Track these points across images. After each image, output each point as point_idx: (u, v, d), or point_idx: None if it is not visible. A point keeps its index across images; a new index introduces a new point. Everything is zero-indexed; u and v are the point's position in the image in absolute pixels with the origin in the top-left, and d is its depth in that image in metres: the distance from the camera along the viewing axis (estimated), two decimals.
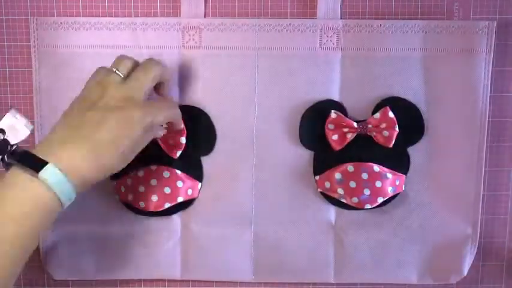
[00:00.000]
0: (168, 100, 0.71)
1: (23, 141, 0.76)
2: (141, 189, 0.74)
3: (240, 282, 0.79)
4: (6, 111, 0.75)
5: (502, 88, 0.75)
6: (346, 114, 0.73)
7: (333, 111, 0.72)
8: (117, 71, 0.64)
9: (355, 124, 0.72)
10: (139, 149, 0.64)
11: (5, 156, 0.57)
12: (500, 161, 0.76)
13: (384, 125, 0.72)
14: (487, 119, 0.73)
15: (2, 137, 0.57)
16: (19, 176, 0.56)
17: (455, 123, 0.73)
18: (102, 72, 0.64)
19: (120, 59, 0.66)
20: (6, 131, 0.58)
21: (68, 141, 0.58)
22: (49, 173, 0.56)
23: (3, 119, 0.58)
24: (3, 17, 0.74)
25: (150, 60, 0.66)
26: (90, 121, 0.59)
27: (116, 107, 0.60)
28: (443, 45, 0.72)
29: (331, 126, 0.73)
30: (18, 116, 0.59)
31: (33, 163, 0.56)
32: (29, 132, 0.58)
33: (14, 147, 0.58)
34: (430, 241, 0.76)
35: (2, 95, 0.76)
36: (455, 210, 0.75)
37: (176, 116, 0.69)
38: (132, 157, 0.63)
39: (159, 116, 0.64)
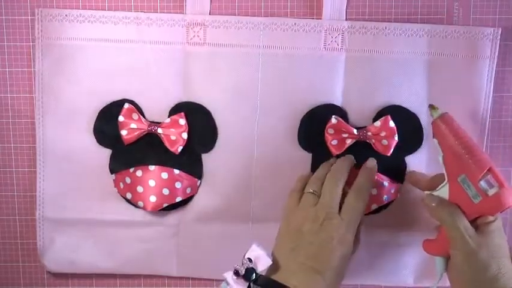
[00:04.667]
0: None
1: (23, 139, 0.75)
2: (140, 189, 0.74)
3: None
4: (7, 111, 0.75)
5: (502, 88, 0.75)
6: (347, 119, 0.74)
7: (333, 116, 0.73)
8: (314, 192, 0.68)
9: (355, 131, 0.73)
10: None
11: (251, 283, 0.62)
12: (500, 161, 0.76)
13: (383, 134, 0.72)
14: (488, 120, 0.73)
15: (250, 265, 0.62)
16: None
17: None
18: (307, 201, 0.68)
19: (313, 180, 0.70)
20: (253, 260, 0.63)
21: (303, 271, 0.63)
22: None
23: (250, 250, 0.64)
24: (3, 17, 0.74)
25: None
26: (321, 253, 0.64)
27: (335, 235, 0.65)
28: (447, 50, 0.72)
29: (331, 131, 0.73)
30: (260, 247, 0.64)
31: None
32: (270, 262, 0.63)
33: (258, 275, 0.63)
34: None
35: (2, 95, 0.76)
36: None
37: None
38: None
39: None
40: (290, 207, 0.69)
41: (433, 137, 0.67)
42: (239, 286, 0.62)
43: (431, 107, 0.66)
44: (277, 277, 0.63)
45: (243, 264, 0.62)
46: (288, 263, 0.64)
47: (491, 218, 0.64)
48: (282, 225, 0.69)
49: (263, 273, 0.63)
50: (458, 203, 0.63)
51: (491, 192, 0.61)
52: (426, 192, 0.67)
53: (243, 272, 0.62)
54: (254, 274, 0.62)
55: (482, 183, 0.62)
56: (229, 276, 0.63)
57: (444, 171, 0.65)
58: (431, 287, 0.69)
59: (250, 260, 0.63)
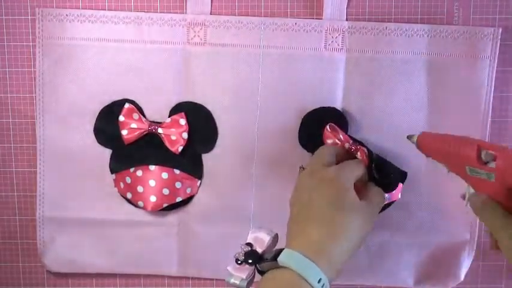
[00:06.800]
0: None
1: (23, 139, 0.75)
2: (140, 189, 0.74)
3: None
4: (7, 111, 0.75)
5: (502, 88, 0.75)
6: (346, 123, 0.73)
7: (328, 124, 0.72)
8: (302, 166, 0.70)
9: (351, 141, 0.72)
10: None
11: (257, 265, 0.62)
12: None
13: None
14: (488, 120, 0.74)
15: (248, 249, 0.62)
16: (274, 273, 0.60)
17: (457, 128, 0.73)
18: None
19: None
20: (253, 243, 0.63)
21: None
22: (286, 256, 0.59)
23: (249, 235, 0.64)
24: (3, 17, 0.74)
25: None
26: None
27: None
28: (447, 50, 0.72)
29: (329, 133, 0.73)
30: (259, 228, 0.65)
31: (274, 255, 0.61)
32: (269, 238, 0.63)
33: (260, 255, 0.62)
34: (428, 246, 0.76)
35: (2, 95, 0.76)
36: (454, 216, 0.75)
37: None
38: None
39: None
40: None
41: (427, 157, 0.66)
42: (242, 273, 0.62)
43: (408, 137, 0.66)
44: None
45: (241, 250, 0.62)
46: (295, 228, 0.64)
47: None
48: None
49: (272, 250, 0.63)
50: (485, 191, 0.61)
51: (494, 162, 0.59)
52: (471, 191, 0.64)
53: (243, 257, 0.62)
54: (259, 256, 0.62)
55: (484, 160, 0.59)
56: (231, 266, 0.62)
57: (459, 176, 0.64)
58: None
59: (248, 244, 0.63)
